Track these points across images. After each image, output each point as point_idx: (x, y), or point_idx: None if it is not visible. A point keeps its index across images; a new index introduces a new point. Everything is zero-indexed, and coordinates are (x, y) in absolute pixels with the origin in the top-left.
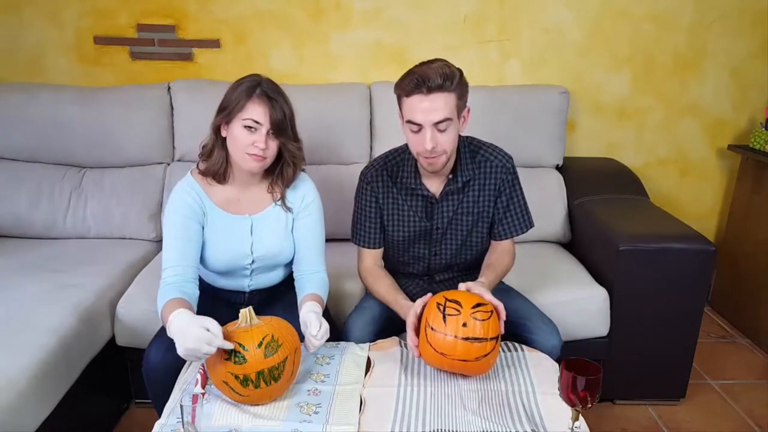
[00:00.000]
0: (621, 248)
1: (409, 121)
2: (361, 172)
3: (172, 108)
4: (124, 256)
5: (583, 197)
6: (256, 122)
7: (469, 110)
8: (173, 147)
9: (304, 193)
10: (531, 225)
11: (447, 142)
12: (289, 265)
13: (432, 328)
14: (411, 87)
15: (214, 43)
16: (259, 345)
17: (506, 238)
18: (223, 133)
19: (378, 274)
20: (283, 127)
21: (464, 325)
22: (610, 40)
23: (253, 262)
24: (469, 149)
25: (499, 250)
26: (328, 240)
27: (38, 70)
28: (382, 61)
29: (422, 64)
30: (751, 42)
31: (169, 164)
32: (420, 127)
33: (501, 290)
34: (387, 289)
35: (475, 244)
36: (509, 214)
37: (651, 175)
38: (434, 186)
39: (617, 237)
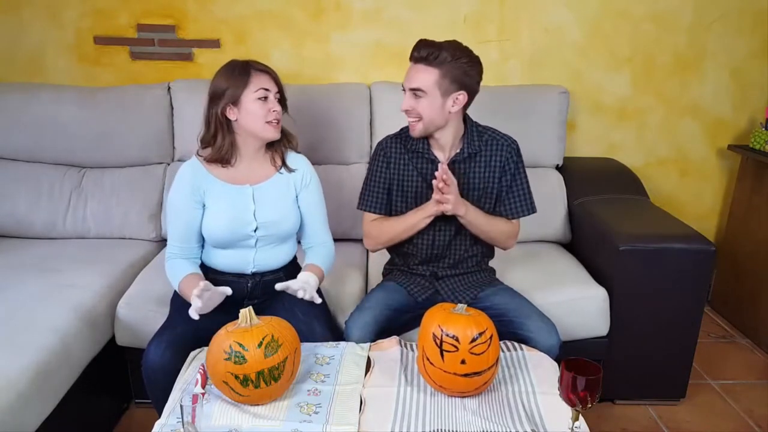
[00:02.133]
0: (621, 248)
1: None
2: (378, 143)
3: (172, 108)
4: (125, 256)
5: (583, 197)
6: (266, 89)
7: (466, 96)
8: (173, 147)
9: (303, 171)
10: (533, 210)
11: (422, 109)
12: (293, 244)
13: (430, 362)
14: (411, 52)
15: (214, 43)
16: (259, 345)
17: (512, 218)
18: (231, 116)
19: (386, 218)
20: (282, 88)
21: (463, 362)
22: (610, 40)
23: (256, 229)
24: (476, 129)
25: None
26: None
27: (38, 70)
28: (382, 60)
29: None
30: (751, 42)
31: (169, 164)
32: (404, 88)
33: (500, 290)
34: (398, 219)
35: None
36: (512, 195)
37: (651, 175)
38: (441, 155)
39: (617, 237)
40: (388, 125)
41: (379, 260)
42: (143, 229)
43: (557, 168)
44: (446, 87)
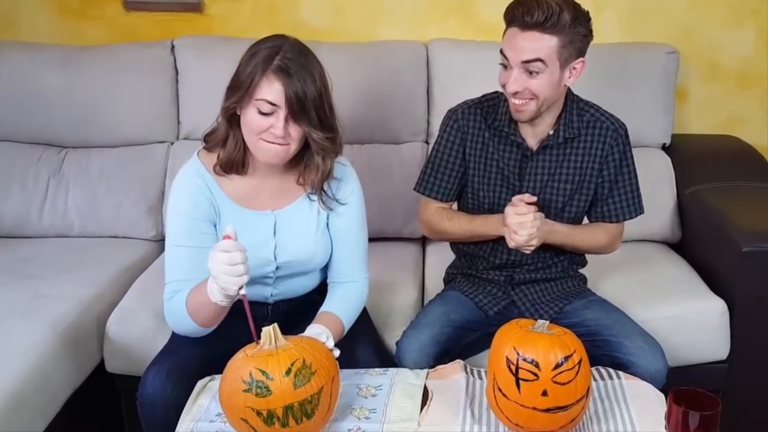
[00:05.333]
0: (744, 249)
1: (501, 52)
2: (449, 110)
3: (176, 72)
4: (116, 260)
5: (697, 185)
6: (271, 104)
7: (583, 63)
8: (178, 122)
9: (344, 188)
10: (641, 210)
11: (538, 87)
12: (323, 269)
13: (502, 393)
14: (509, 19)
15: None
16: (287, 372)
17: (613, 221)
18: (239, 113)
19: (451, 212)
20: (304, 110)
21: (545, 394)
22: None
23: (277, 269)
24: (576, 106)
25: (602, 226)
26: (372, 240)
27: (8, 25)
28: (441, 13)
29: None
30: None
31: (172, 143)
32: (508, 63)
33: (592, 302)
34: (469, 218)
35: (567, 221)
36: (617, 192)
37: None
38: (532, 139)
39: (739, 235)
40: (450, 94)
41: (440, 264)
42: (140, 225)
43: (663, 148)
44: (566, 56)
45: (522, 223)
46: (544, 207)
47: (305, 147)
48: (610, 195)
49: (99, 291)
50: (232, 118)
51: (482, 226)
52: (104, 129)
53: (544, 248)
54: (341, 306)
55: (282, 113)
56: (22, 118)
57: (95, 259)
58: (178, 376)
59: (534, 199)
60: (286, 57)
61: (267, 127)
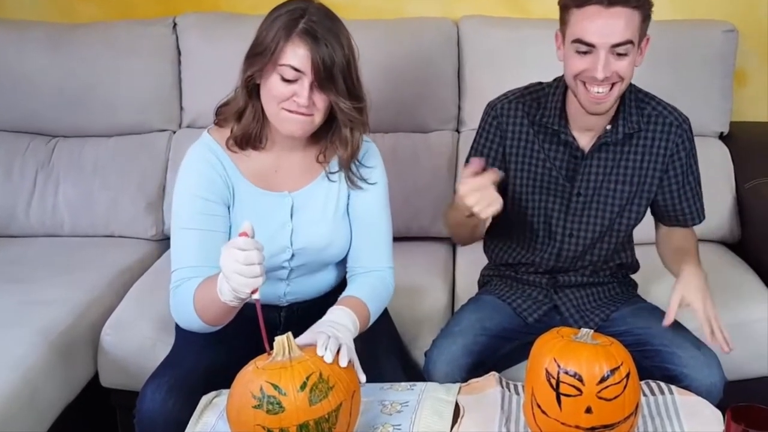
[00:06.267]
0: None
1: (577, 40)
2: (489, 104)
3: (179, 53)
4: (112, 261)
5: (759, 178)
6: (296, 70)
7: (648, 40)
8: (180, 108)
9: (369, 169)
10: (703, 215)
11: (626, 69)
12: (343, 264)
13: (542, 410)
14: None
15: None
16: (302, 387)
17: (689, 225)
18: (259, 81)
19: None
20: (331, 77)
21: (589, 410)
22: None
23: (292, 257)
24: (635, 98)
25: (680, 233)
26: (397, 239)
27: None
28: None
29: None
30: None
31: (174, 132)
32: (591, 48)
33: (641, 309)
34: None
35: (624, 226)
36: (684, 196)
37: None
38: (584, 137)
39: None
40: (483, 77)
41: (473, 265)
42: (138, 223)
43: (721, 137)
44: (642, 32)
45: (472, 191)
46: (599, 211)
47: (328, 122)
48: (679, 199)
49: (93, 296)
50: (251, 89)
51: (455, 205)
52: (98, 116)
53: (600, 249)
54: (365, 291)
55: (307, 80)
56: (7, 104)
57: (88, 260)
58: (181, 390)
59: (480, 164)
60: (312, 20)
61: (290, 95)
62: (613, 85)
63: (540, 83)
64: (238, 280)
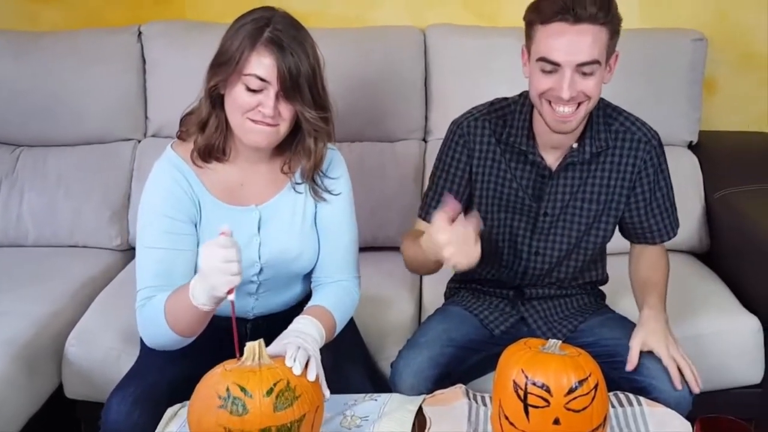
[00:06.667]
0: None
1: (542, 59)
2: (453, 122)
3: (144, 61)
4: (76, 272)
5: (727, 188)
6: (261, 79)
7: (617, 57)
8: (146, 117)
9: (326, 167)
10: (674, 233)
11: (592, 88)
12: (308, 279)
13: (509, 422)
14: (552, 11)
15: None
16: (269, 392)
17: (657, 242)
18: (223, 91)
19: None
20: (297, 87)
21: (557, 422)
22: None
23: (261, 270)
24: (603, 113)
25: (649, 256)
26: (362, 249)
27: None
28: None
29: None
30: None
31: (140, 141)
32: (556, 67)
33: (610, 319)
34: (413, 242)
35: (591, 245)
36: (653, 211)
37: None
38: (551, 155)
39: None
40: (450, 87)
41: (440, 276)
42: (103, 233)
43: (690, 146)
44: (610, 50)
45: (451, 243)
46: (565, 230)
47: (293, 132)
48: (647, 215)
49: (57, 307)
50: (215, 99)
51: (423, 246)
52: (63, 126)
53: (567, 266)
54: (331, 300)
55: (272, 90)
56: None
57: (53, 271)
58: (146, 402)
59: (457, 209)
60: (277, 29)
61: (255, 105)
62: (579, 104)
63: (505, 99)
64: (217, 277)
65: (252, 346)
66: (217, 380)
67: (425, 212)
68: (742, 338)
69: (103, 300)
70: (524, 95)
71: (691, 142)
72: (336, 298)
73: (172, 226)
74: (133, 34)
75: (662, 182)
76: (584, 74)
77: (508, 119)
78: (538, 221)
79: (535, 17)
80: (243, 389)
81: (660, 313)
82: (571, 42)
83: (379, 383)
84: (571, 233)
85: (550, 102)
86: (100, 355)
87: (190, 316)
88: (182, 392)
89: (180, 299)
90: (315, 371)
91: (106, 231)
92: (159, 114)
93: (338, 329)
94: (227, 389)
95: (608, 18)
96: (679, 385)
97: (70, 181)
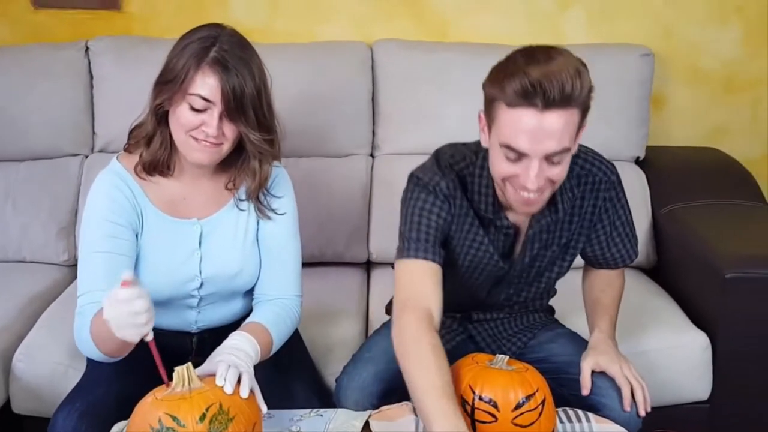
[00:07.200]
0: (727, 276)
1: (507, 146)
2: (427, 182)
3: (91, 76)
4: (23, 287)
5: (675, 203)
6: (205, 99)
7: (584, 128)
8: (93, 132)
9: (270, 185)
10: (636, 253)
11: (559, 174)
12: (251, 294)
13: None
14: (518, 95)
15: None
16: (202, 418)
17: (619, 266)
18: (168, 108)
19: (428, 333)
20: (241, 108)
21: None
22: None
23: (201, 285)
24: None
25: (603, 275)
26: (310, 264)
27: None
28: (388, 10)
29: (535, 51)
30: None
31: (87, 156)
32: (521, 156)
33: (559, 335)
34: (418, 381)
35: (547, 279)
36: (612, 240)
37: None
38: (519, 217)
39: (722, 260)
40: (397, 101)
41: (387, 291)
42: (50, 248)
43: (637, 162)
44: (581, 125)
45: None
46: (523, 274)
47: (238, 149)
48: (613, 244)
49: (4, 323)
50: (160, 116)
51: (436, 412)
52: (9, 140)
53: (516, 291)
54: (269, 317)
55: (216, 110)
56: None
57: (0, 286)
58: (92, 417)
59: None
60: (223, 49)
61: (198, 124)
62: (548, 187)
63: (463, 156)
64: (126, 331)
65: (181, 371)
66: (147, 410)
67: (407, 249)
68: (690, 354)
69: (50, 315)
70: (482, 156)
71: (638, 157)
72: (275, 315)
73: (114, 230)
74: (80, 50)
75: (621, 212)
76: (553, 163)
77: (470, 185)
78: (505, 277)
79: (497, 94)
80: (175, 419)
81: (610, 339)
82: (540, 131)
83: (326, 399)
84: (530, 275)
85: (513, 185)
86: (47, 371)
87: (113, 343)
88: (130, 407)
89: (103, 324)
90: (248, 387)
91: (53, 246)
92: (106, 129)
93: (276, 347)
94: (159, 420)
95: (581, 98)
96: (628, 407)
97: (17, 196)
